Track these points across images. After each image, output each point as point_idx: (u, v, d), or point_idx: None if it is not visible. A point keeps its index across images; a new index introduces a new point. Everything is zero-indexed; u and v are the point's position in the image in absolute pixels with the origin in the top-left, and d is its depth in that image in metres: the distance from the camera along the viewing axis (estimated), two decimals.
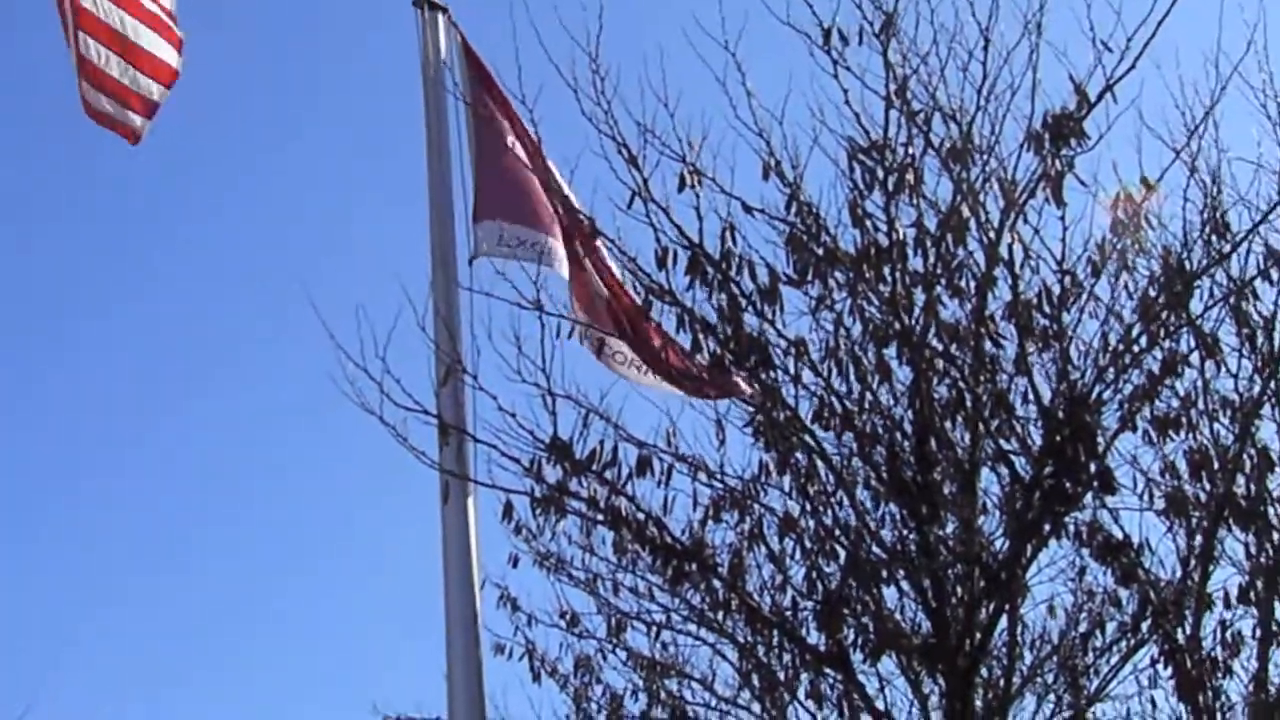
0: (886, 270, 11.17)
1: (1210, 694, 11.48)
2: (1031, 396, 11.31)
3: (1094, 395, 11.14)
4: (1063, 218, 11.15)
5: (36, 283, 31.74)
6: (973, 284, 11.27)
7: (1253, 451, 11.50)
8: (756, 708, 11.92)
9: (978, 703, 11.46)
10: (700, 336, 11.18)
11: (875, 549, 11.26)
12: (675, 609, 11.83)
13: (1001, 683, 11.69)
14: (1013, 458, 11.34)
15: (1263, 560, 11.52)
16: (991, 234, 11.25)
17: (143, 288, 32.26)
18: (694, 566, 11.28)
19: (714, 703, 12.02)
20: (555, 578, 12.22)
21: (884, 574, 11.23)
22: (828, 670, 11.38)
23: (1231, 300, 11.47)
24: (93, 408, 33.23)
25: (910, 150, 11.29)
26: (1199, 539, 11.62)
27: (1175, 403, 11.59)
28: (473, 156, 12.06)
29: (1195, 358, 11.53)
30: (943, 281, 11.26)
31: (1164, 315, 11.28)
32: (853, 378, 11.20)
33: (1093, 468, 11.10)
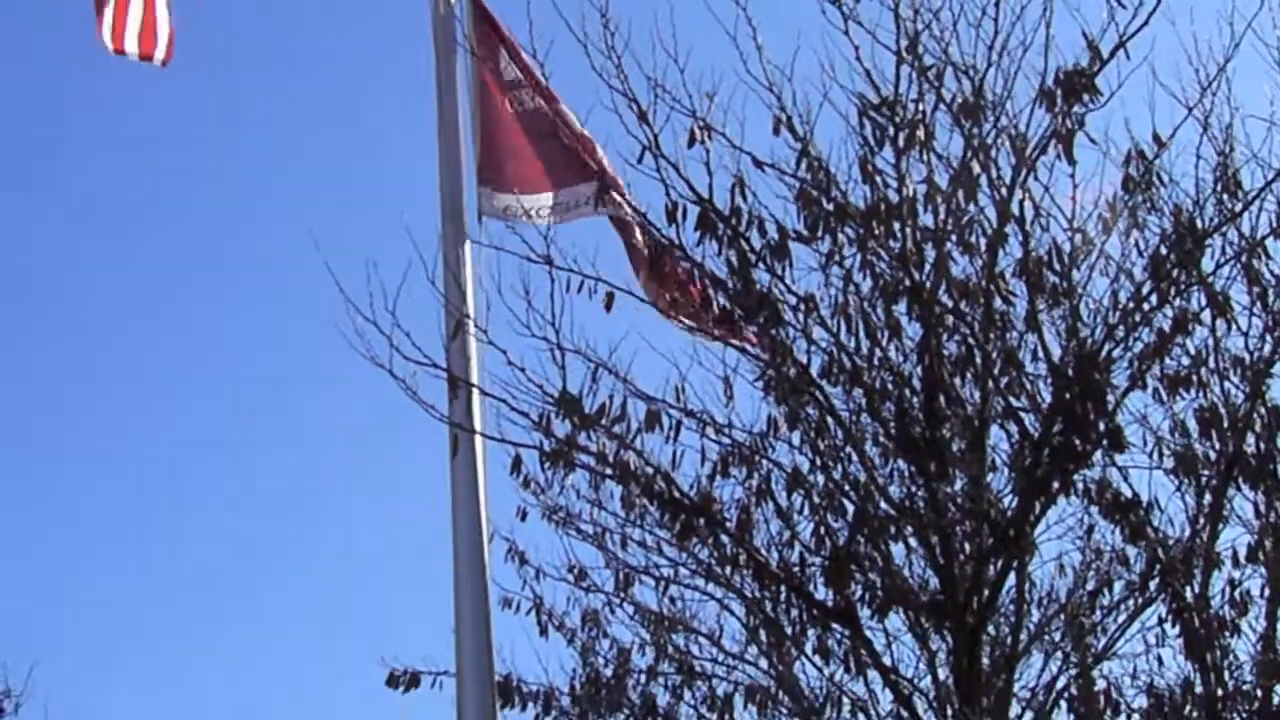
0: (897, 226, 11.16)
1: (1218, 653, 11.48)
2: (1041, 354, 11.32)
3: (1104, 353, 11.14)
4: (1074, 175, 11.19)
5: (37, 241, 31.81)
6: (983, 241, 11.27)
7: (1263, 410, 11.47)
8: (764, 663, 11.91)
9: (985, 660, 11.47)
10: (710, 292, 11.18)
11: (883, 505, 11.27)
12: (683, 563, 11.82)
13: (1009, 640, 11.69)
14: (1022, 415, 11.34)
15: (1272, 519, 11.50)
16: (1003, 190, 11.25)
17: (150, 241, 32.29)
18: (702, 521, 11.26)
19: (721, 658, 12.02)
20: (563, 531, 12.21)
21: (892, 530, 11.24)
22: (835, 626, 11.38)
23: (1243, 258, 11.44)
24: (99, 363, 33.33)
25: (921, 106, 11.27)
26: (1208, 498, 11.60)
27: (1186, 361, 11.56)
28: (477, 112, 12.05)
29: (1206, 316, 11.50)
30: (953, 238, 11.25)
31: (1175, 273, 11.25)
32: (862, 334, 11.20)
33: (1102, 425, 11.10)
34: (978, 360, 11.30)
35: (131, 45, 12.00)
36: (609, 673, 12.06)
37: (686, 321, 11.43)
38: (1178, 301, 11.29)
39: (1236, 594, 11.53)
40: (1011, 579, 11.59)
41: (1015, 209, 11.19)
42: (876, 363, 11.21)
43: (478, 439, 11.22)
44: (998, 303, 11.25)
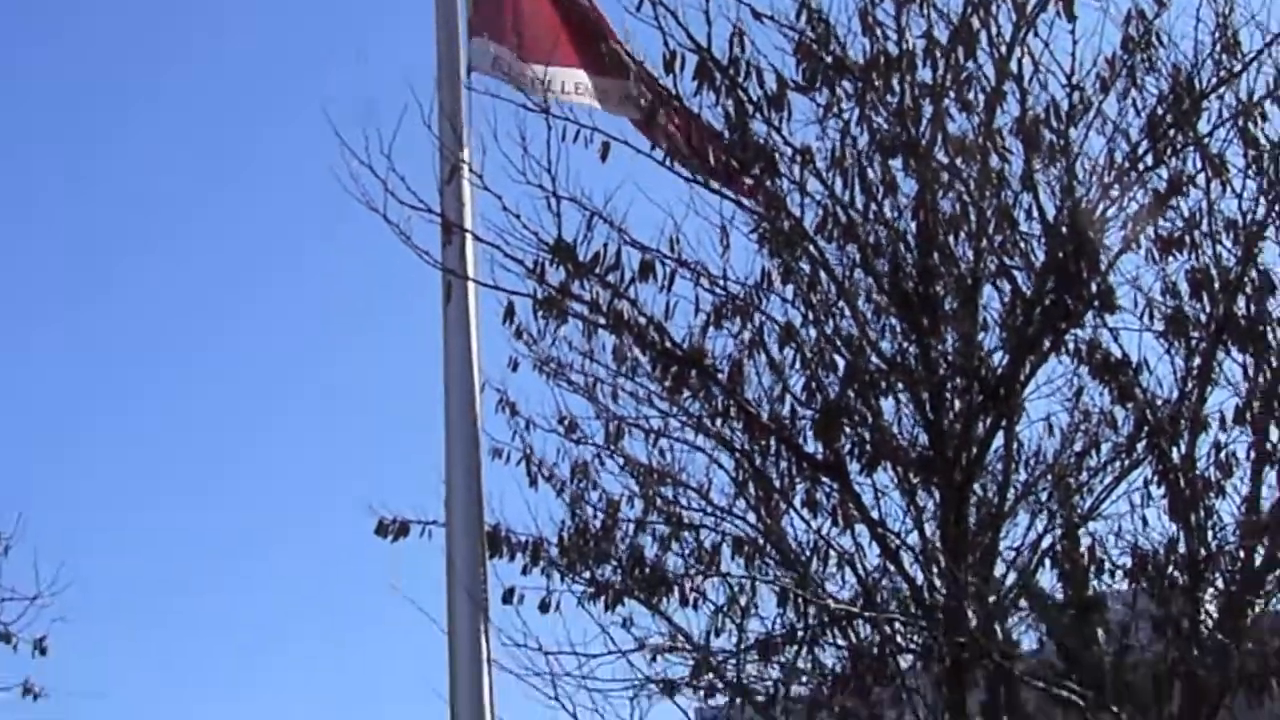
0: (895, 80, 11.14)
1: (1202, 514, 11.56)
2: (1036, 213, 11.35)
3: (1098, 212, 11.17)
4: (1073, 32, 11.17)
5: (36, 98, 31.69)
6: (981, 97, 11.27)
7: (1254, 273, 11.50)
8: (751, 517, 11.94)
9: (971, 518, 11.55)
10: (706, 142, 11.14)
11: (875, 360, 11.32)
12: (673, 415, 11.85)
13: (995, 499, 11.78)
14: (1015, 273, 11.38)
15: (1260, 382, 11.54)
16: (1002, 48, 11.26)
17: (152, 86, 32.20)
18: (693, 373, 11.29)
19: (709, 511, 12.03)
20: (554, 383, 12.20)
21: (883, 384, 11.29)
22: (824, 479, 11.44)
23: (1240, 121, 11.43)
24: (104, 207, 33.36)
25: None
26: (1197, 360, 11.64)
27: (1179, 223, 11.57)
28: None
29: (1201, 178, 11.51)
30: (951, 94, 11.24)
31: (1171, 133, 11.26)
32: (858, 188, 11.21)
33: (1094, 285, 11.14)
34: (972, 218, 11.32)
35: None
36: (597, 524, 12.08)
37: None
38: (1173, 162, 11.31)
39: (1222, 456, 11.59)
40: (1000, 438, 11.66)
41: (1014, 66, 11.19)
42: (871, 217, 11.23)
43: (470, 286, 11.19)
44: (994, 160, 11.26)
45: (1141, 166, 11.24)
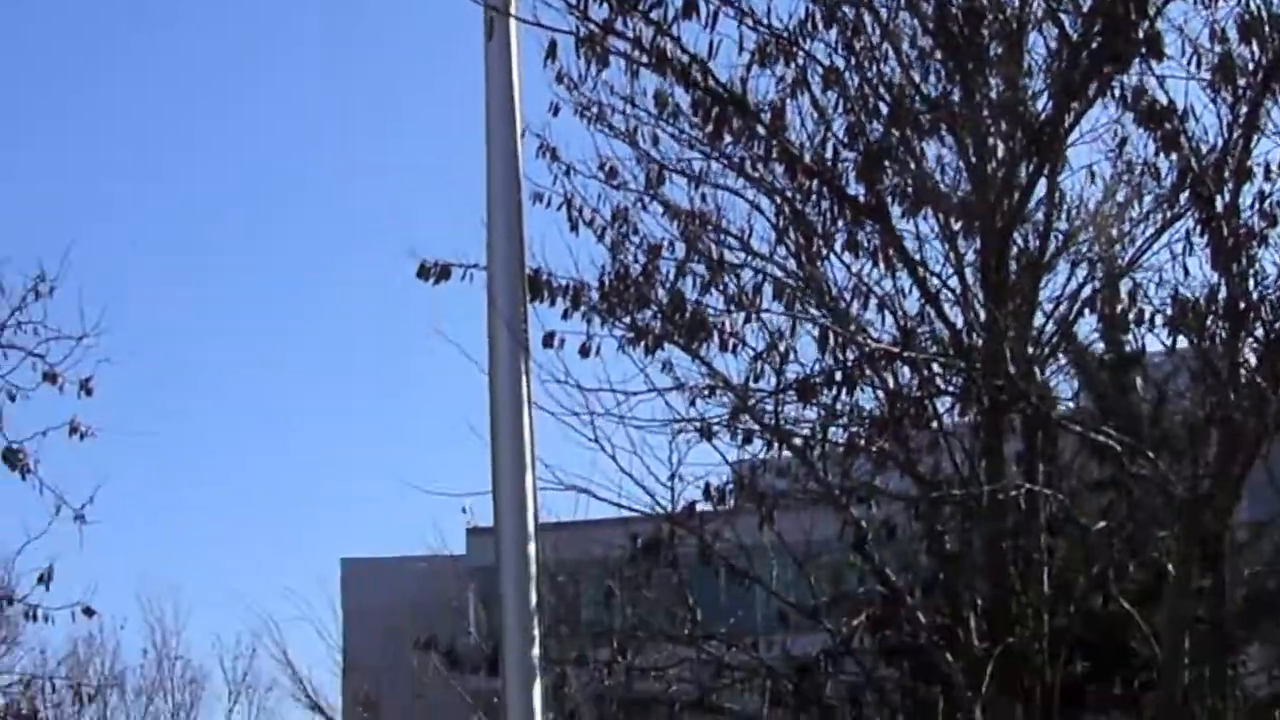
0: None
1: (1245, 263, 11.49)
2: None
3: None
4: None
5: None
6: None
7: None
8: (792, 264, 11.89)
9: (1012, 266, 11.55)
10: None
11: (918, 103, 11.24)
12: (715, 159, 11.76)
13: (1036, 248, 11.76)
14: (1062, 16, 11.25)
15: None
16: None
17: None
18: (736, 115, 11.20)
19: (749, 259, 11.97)
20: (595, 128, 12.10)
21: (926, 127, 11.22)
22: (866, 221, 11.41)
23: None
24: None
25: None
26: (1244, 108, 11.49)
27: None
28: None
29: None
30: None
31: None
32: None
33: (1142, 31, 10.99)
34: None
35: None
36: (638, 269, 12.02)
37: None
38: None
39: (1266, 205, 11.49)
40: (1042, 186, 11.62)
41: None
42: None
43: (513, 26, 11.04)
44: None
45: None
